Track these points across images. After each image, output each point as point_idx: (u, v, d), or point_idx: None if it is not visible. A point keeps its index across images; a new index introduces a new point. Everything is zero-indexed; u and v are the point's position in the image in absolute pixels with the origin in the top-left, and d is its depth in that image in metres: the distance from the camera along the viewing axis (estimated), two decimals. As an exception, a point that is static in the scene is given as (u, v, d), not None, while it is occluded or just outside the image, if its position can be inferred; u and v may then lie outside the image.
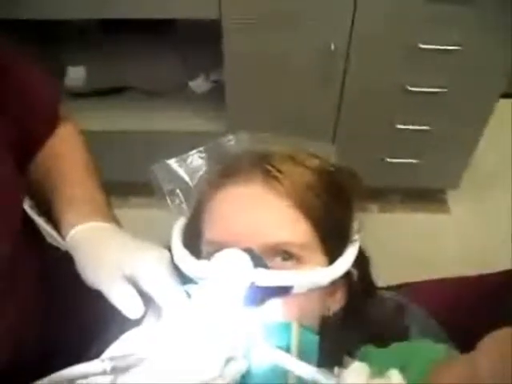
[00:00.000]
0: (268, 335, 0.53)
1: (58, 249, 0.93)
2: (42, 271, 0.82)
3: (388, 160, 1.94)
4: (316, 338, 0.57)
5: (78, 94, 1.92)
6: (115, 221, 0.75)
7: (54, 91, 0.86)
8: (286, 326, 0.55)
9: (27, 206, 0.84)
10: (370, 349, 0.72)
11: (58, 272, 0.81)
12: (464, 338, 0.45)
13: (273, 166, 0.63)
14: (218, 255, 0.57)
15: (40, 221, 0.91)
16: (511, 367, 0.38)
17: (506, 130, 2.21)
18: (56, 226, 0.75)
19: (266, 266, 0.57)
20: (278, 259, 0.60)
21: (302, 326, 0.56)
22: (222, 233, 0.62)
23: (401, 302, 0.83)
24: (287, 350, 0.53)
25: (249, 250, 0.57)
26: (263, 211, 0.61)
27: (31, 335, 0.79)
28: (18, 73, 0.76)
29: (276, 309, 0.57)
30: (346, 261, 0.63)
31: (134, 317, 0.59)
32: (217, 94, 1.88)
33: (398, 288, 0.97)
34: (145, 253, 0.64)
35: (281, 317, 0.57)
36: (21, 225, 0.74)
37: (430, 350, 0.66)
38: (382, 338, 0.72)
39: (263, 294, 0.57)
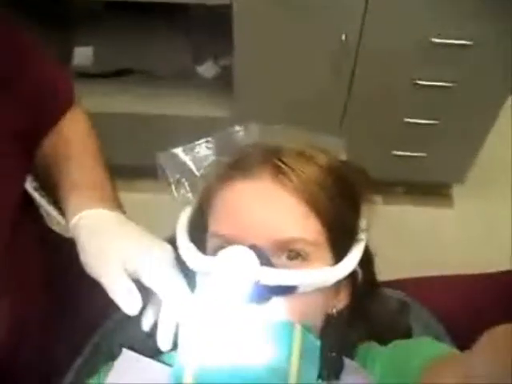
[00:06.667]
0: (270, 336, 0.53)
1: (58, 234, 0.93)
2: (42, 255, 0.82)
3: (394, 153, 1.93)
4: (318, 343, 0.56)
5: (85, 75, 1.90)
6: (121, 209, 0.75)
7: (66, 77, 0.85)
8: (289, 329, 0.54)
9: (34, 192, 0.84)
10: (372, 346, 0.71)
11: (58, 257, 0.81)
12: (471, 339, 0.44)
13: (282, 162, 0.62)
14: (223, 252, 0.56)
15: (47, 206, 0.91)
16: (505, 365, 0.36)
17: (514, 127, 2.19)
18: (61, 209, 0.74)
19: (271, 265, 0.57)
20: (284, 257, 0.59)
21: (304, 328, 0.55)
22: (228, 227, 0.61)
23: (404, 301, 0.82)
24: (289, 353, 0.52)
25: (255, 248, 0.56)
26: (272, 207, 0.60)
27: (33, 317, 0.79)
28: (33, 59, 0.75)
29: (280, 307, 0.57)
30: (352, 260, 0.62)
31: (132, 313, 0.60)
32: (225, 79, 1.86)
33: (402, 283, 0.96)
34: (148, 248, 0.64)
35: (284, 316, 0.56)
36: (19, 214, 0.73)
37: (430, 347, 0.66)
38: (385, 337, 0.72)
39: (268, 293, 0.56)
